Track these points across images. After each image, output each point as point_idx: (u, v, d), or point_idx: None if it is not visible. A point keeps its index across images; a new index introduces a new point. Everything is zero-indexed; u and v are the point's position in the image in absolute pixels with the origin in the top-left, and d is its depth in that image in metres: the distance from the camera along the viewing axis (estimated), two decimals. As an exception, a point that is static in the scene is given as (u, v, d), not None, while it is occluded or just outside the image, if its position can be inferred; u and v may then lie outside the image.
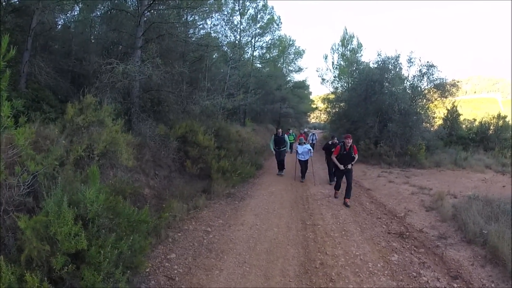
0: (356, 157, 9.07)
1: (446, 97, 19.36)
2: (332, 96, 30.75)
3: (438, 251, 5.65)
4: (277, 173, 13.50)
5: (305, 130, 28.04)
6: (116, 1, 12.19)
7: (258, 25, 25.91)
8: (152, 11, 10.89)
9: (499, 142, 19.94)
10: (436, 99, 19.41)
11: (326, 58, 33.78)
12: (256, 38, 26.75)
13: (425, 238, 6.28)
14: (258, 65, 29.29)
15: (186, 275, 4.48)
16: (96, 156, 5.40)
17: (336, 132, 24.93)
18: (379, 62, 19.78)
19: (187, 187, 8.31)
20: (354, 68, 24.76)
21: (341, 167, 8.89)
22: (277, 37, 28.77)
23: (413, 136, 17.00)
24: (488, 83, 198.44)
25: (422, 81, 19.18)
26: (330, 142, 11.99)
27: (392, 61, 19.42)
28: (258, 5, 25.36)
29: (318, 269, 4.86)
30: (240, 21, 24.88)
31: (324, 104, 32.33)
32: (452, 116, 22.47)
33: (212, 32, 18.92)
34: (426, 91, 19.31)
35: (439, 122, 21.59)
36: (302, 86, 38.48)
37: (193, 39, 13.35)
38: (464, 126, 23.16)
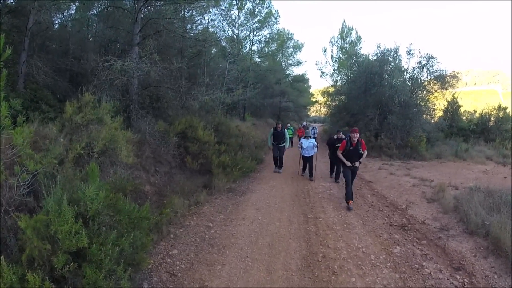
0: (365, 153, 8.17)
1: (446, 89, 19.35)
2: (331, 89, 30.73)
3: (440, 242, 5.65)
4: (274, 170, 12.65)
5: (305, 123, 27.96)
6: (112, -1, 12.14)
7: (256, 19, 25.87)
8: (149, 7, 10.85)
9: (500, 133, 19.94)
10: (436, 91, 19.39)
11: (325, 51, 33.84)
12: (254, 32, 26.72)
13: (427, 230, 6.28)
14: (257, 59, 29.24)
15: (188, 271, 4.49)
16: (95, 154, 5.39)
17: (336, 125, 24.91)
18: (379, 54, 19.73)
19: (188, 183, 8.30)
20: (353, 60, 24.68)
21: (348, 164, 7.98)
22: (276, 31, 28.77)
23: (414, 128, 16.99)
24: (488, 75, 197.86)
25: (422, 72, 19.14)
26: (335, 137, 11.26)
27: (392, 53, 19.36)
28: (255, -1, 25.28)
29: (321, 262, 4.87)
30: (238, 15, 24.82)
31: (323, 97, 32.32)
32: (453, 107, 22.46)
33: (210, 27, 18.80)
34: (426, 83, 19.27)
35: (439, 113, 21.57)
36: (301, 79, 38.49)
37: (191, 34, 13.32)
38: (464, 117, 23.15)
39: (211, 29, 18.73)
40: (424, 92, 19.12)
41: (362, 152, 8.08)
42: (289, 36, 32.61)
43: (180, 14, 12.81)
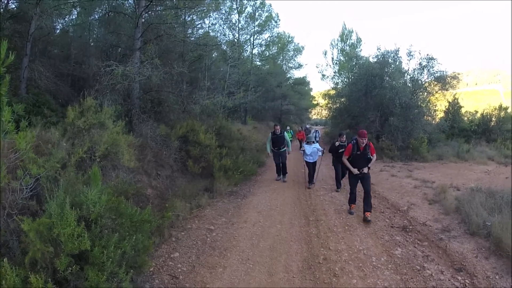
0: (374, 158, 7.31)
1: (447, 90, 19.35)
2: (332, 92, 30.73)
3: (441, 244, 5.65)
4: (276, 178, 11.52)
5: (307, 126, 27.84)
6: (113, 4, 12.23)
7: (256, 23, 26.04)
8: (149, 12, 10.92)
9: (501, 133, 19.96)
10: (437, 92, 19.39)
11: (325, 54, 33.84)
12: (255, 36, 26.91)
13: (428, 231, 6.28)
14: (257, 62, 29.39)
15: (190, 274, 4.50)
16: (97, 158, 5.43)
17: (337, 127, 24.95)
18: (379, 56, 19.78)
19: (190, 186, 8.33)
20: (354, 63, 24.68)
21: (355, 171, 7.12)
22: (276, 34, 28.96)
23: (415, 130, 17.03)
24: (489, 75, 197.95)
25: (422, 74, 19.16)
26: (336, 143, 9.96)
27: (392, 55, 19.40)
28: (255, 3, 25.54)
29: (322, 264, 4.87)
30: (238, 19, 25.02)
31: (325, 100, 32.30)
32: (454, 108, 22.50)
33: (210, 31, 18.97)
34: (426, 84, 19.28)
35: (440, 115, 21.60)
36: (302, 82, 38.51)
37: (192, 38, 13.37)
38: (465, 118, 23.18)
39: (211, 33, 18.92)
40: (425, 93, 19.14)
41: (371, 157, 7.19)
42: (290, 39, 32.73)
43: (181, 19, 12.91)
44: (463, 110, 23.23)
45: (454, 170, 12.34)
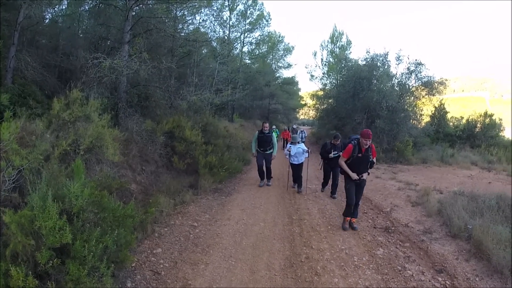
0: (374, 161, 6.49)
1: (433, 95, 19.64)
2: (320, 93, 30.79)
3: (423, 245, 5.74)
4: (259, 184, 10.41)
5: (294, 126, 27.85)
6: (104, -5, 12.08)
7: (247, 21, 25.99)
8: (140, 5, 10.81)
9: (486, 139, 20.37)
10: (423, 97, 19.69)
11: (315, 55, 33.91)
12: (245, 34, 26.86)
13: (410, 232, 6.37)
14: (247, 60, 29.39)
15: (172, 269, 4.50)
16: (81, 151, 5.39)
17: (324, 128, 25.07)
18: (368, 59, 19.96)
19: (174, 183, 8.30)
20: (343, 65, 24.83)
21: (354, 176, 6.25)
22: (267, 33, 28.95)
23: (400, 133, 17.23)
24: (476, 83, 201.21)
25: (410, 78, 19.44)
26: (330, 144, 9.25)
27: (381, 58, 19.60)
28: (247, 1, 25.44)
29: (304, 263, 4.91)
30: (230, 16, 24.93)
31: (312, 100, 32.35)
32: (440, 113, 22.82)
33: (201, 27, 18.91)
34: (414, 89, 19.57)
35: (426, 119, 21.92)
36: (291, 82, 38.56)
37: (182, 34, 13.31)
38: (451, 123, 23.55)
39: (202, 29, 18.86)
40: (412, 97, 19.40)
41: (373, 160, 6.39)
42: (280, 39, 32.73)
43: (172, 14, 12.80)
44: (449, 116, 23.59)
45: (437, 174, 12.52)
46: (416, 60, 18.95)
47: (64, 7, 13.16)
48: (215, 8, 22.11)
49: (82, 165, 3.83)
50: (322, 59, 33.33)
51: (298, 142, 10.03)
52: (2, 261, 2.90)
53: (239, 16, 25.53)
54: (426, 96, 19.67)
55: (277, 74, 35.57)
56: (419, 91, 19.62)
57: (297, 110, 46.10)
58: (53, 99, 5.88)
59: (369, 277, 4.56)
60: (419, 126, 19.82)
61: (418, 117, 19.51)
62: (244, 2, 25.32)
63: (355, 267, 4.86)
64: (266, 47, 31.09)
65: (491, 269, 4.74)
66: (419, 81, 19.26)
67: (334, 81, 30.92)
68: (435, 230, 6.41)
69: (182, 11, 13.79)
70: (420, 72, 18.90)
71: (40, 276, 3.08)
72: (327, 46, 33.27)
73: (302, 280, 4.41)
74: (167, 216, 6.53)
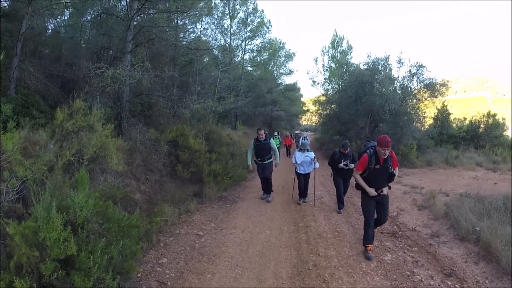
0: (397, 172, 5.53)
1: (436, 97, 19.64)
2: (322, 98, 30.85)
3: (431, 249, 5.68)
4: (261, 197, 9.51)
5: (297, 132, 27.80)
6: (106, 5, 12.15)
7: (248, 28, 26.09)
8: (142, 15, 10.86)
9: (490, 140, 20.28)
10: (426, 99, 19.67)
11: (316, 61, 33.98)
12: (247, 41, 26.96)
13: (417, 236, 6.31)
14: (248, 68, 29.45)
15: (178, 280, 4.45)
16: (85, 161, 5.36)
17: (327, 134, 25.02)
18: (369, 64, 19.98)
19: (179, 191, 8.26)
20: (344, 69, 24.84)
21: (372, 192, 5.29)
22: (268, 40, 29.01)
23: (404, 136, 17.17)
24: (477, 82, 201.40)
25: (412, 81, 19.40)
26: (339, 153, 8.34)
27: (382, 62, 19.61)
28: (248, 9, 25.56)
29: (311, 271, 4.86)
30: (230, 24, 25.06)
31: (315, 106, 32.40)
32: (443, 115, 22.77)
33: (202, 35, 18.95)
34: (416, 91, 19.54)
35: (429, 121, 21.87)
36: (293, 88, 38.61)
37: (183, 42, 13.33)
38: (454, 125, 23.48)
39: (203, 38, 18.91)
40: (414, 100, 19.38)
41: (394, 172, 5.37)
42: (281, 46, 32.79)
43: (173, 23, 12.87)
44: (452, 117, 23.54)
45: (443, 176, 12.44)
46: (417, 62, 18.97)
47: (66, 18, 13.26)
48: (216, 17, 22.29)
49: (86, 175, 3.81)
50: (323, 65, 33.41)
51: (308, 150, 8.95)
52: (6, 273, 2.87)
53: (239, 24, 25.65)
54: (429, 98, 19.67)
55: (279, 81, 35.66)
56: (421, 93, 19.61)
57: (300, 116, 46.18)
58: (56, 109, 5.86)
59: (377, 283, 4.51)
60: (422, 128, 19.81)
61: (421, 119, 19.49)
62: (244, 10, 25.47)
63: (363, 273, 4.81)
64: (267, 54, 31.15)
65: (501, 271, 4.69)
66: (421, 84, 19.26)
67: (336, 86, 30.96)
68: (442, 233, 6.35)
69: (183, 20, 13.87)
70: (422, 74, 18.91)
71: (44, 287, 3.04)
72: (328, 51, 33.37)
73: (310, 288, 4.35)
74: (172, 225, 6.48)
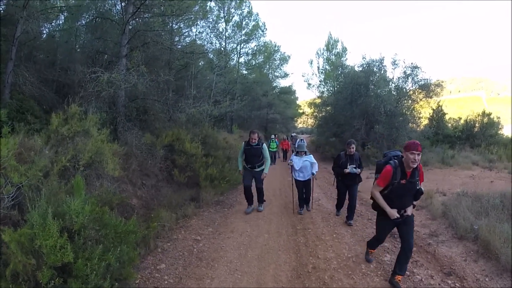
0: (423, 190, 4.42)
1: (431, 97, 19.80)
2: (318, 101, 30.86)
3: (430, 249, 5.70)
4: (246, 210, 8.30)
5: (293, 134, 27.70)
6: (101, 10, 12.12)
7: (243, 32, 26.08)
8: (137, 19, 10.82)
9: (485, 138, 20.46)
10: (421, 100, 19.85)
11: (311, 63, 34.17)
12: (242, 45, 26.93)
13: (416, 236, 6.29)
14: (244, 71, 29.42)
15: (176, 285, 4.42)
16: (81, 166, 5.32)
17: (323, 136, 25.01)
18: (364, 65, 20.11)
19: (175, 196, 8.22)
20: (339, 72, 24.89)
21: (395, 215, 4.24)
22: (263, 43, 29.03)
23: (400, 137, 17.28)
24: (472, 82, 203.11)
25: (406, 82, 19.57)
26: (344, 156, 7.38)
27: (377, 63, 19.76)
28: (243, 12, 25.58)
29: (311, 273, 4.84)
30: (225, 28, 25.02)
31: (310, 108, 32.42)
32: (438, 115, 22.92)
33: (197, 39, 18.88)
34: (411, 92, 19.70)
35: (425, 122, 22.05)
36: (288, 91, 38.74)
37: (179, 46, 13.30)
38: (450, 125, 23.62)
39: (198, 42, 18.83)
40: (410, 101, 19.53)
41: (421, 188, 4.34)
42: (276, 49, 32.88)
43: (168, 26, 12.83)
44: (447, 117, 23.68)
45: (439, 176, 12.46)
46: (412, 63, 19.16)
47: (61, 22, 13.20)
48: (210, 20, 22.20)
49: (82, 181, 3.77)
50: (318, 67, 33.56)
51: (305, 153, 8.16)
52: (2, 281, 2.83)
53: (234, 27, 25.65)
54: (424, 99, 19.84)
55: (274, 84, 35.70)
56: (416, 94, 19.77)
57: (295, 119, 46.20)
58: (51, 114, 5.82)
59: (378, 284, 4.51)
60: (418, 129, 19.94)
61: (417, 120, 19.64)
62: (239, 13, 25.48)
63: (363, 274, 4.80)
64: (263, 57, 31.20)
65: (500, 268, 4.72)
66: (416, 84, 19.43)
67: (331, 88, 31.00)
68: (441, 232, 6.38)
69: (178, 24, 13.86)
70: (417, 75, 19.10)
71: (41, 296, 3.00)
72: (323, 53, 33.51)
73: (310, 291, 4.33)
74: (169, 230, 6.45)
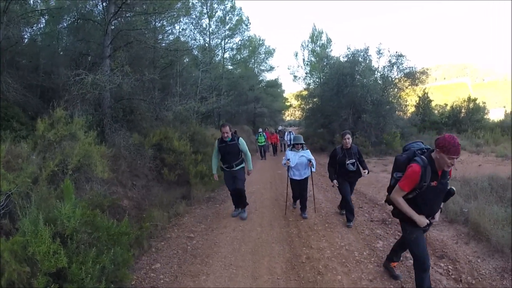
0: (454, 190, 3.63)
1: (416, 85, 20.02)
2: (305, 93, 30.93)
3: (421, 234, 5.78)
4: (232, 214, 7.56)
5: (280, 128, 27.54)
6: (82, 11, 11.96)
7: (227, 27, 25.98)
8: (119, 18, 10.71)
9: (472, 123, 20.71)
10: (407, 88, 20.03)
11: (296, 56, 34.21)
12: (226, 40, 26.83)
13: (407, 222, 6.39)
14: (229, 66, 29.37)
15: (172, 284, 4.44)
16: (70, 170, 5.29)
17: (311, 127, 25.05)
18: (349, 56, 20.20)
19: (166, 195, 8.20)
20: (325, 63, 24.93)
21: (423, 221, 3.55)
22: (247, 38, 28.98)
23: (387, 125, 17.47)
24: (457, 69, 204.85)
25: (392, 71, 19.75)
26: (341, 150, 6.58)
27: (362, 53, 19.88)
28: (226, 7, 25.48)
29: (305, 264, 4.89)
30: (209, 23, 24.91)
31: (297, 101, 32.48)
32: (424, 102, 23.21)
33: (181, 36, 18.82)
34: (396, 81, 19.86)
35: (411, 109, 22.32)
36: (274, 85, 38.73)
37: (162, 44, 13.19)
38: (436, 111, 23.92)
39: (182, 39, 18.77)
40: (396, 89, 19.69)
41: (452, 188, 3.60)
42: (261, 42, 32.79)
43: (151, 25, 12.74)
44: (433, 104, 23.98)
45: (427, 162, 12.62)
46: (396, 52, 19.34)
47: (42, 26, 13.02)
48: (194, 16, 22.11)
49: (71, 185, 3.76)
50: (304, 59, 33.64)
51: (303, 147, 7.15)
52: (-3, 291, 2.82)
53: (218, 22, 25.51)
54: (410, 87, 20.03)
55: (260, 78, 35.66)
56: (402, 82, 19.95)
57: (283, 112, 46.24)
58: (37, 119, 5.77)
59: (372, 270, 4.59)
60: (405, 117, 20.19)
61: (403, 108, 19.85)
62: (222, 8, 25.34)
63: (357, 262, 4.87)
64: (248, 51, 31.12)
65: (491, 249, 4.85)
66: (401, 73, 19.62)
67: (317, 80, 31.11)
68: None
69: (161, 22, 13.74)
70: (402, 63, 19.29)
71: (38, 303, 3.00)
72: (307, 45, 33.56)
73: (305, 281, 4.39)
74: (162, 229, 6.45)
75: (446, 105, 23.89)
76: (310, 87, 31.53)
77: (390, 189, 3.89)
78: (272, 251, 5.43)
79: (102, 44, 10.09)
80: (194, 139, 11.44)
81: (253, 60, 33.38)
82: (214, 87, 22.93)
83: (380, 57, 19.87)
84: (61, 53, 13.06)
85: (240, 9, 26.60)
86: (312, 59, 32.99)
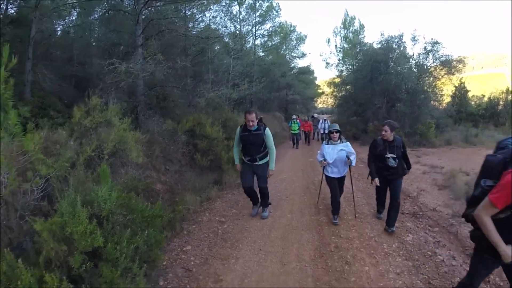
0: None
1: (453, 74, 19.29)
2: (337, 80, 30.54)
3: (452, 229, 5.66)
4: (251, 213, 6.65)
5: (314, 115, 27.04)
6: (113, 2, 12.18)
7: (257, 14, 25.84)
8: (149, 8, 10.83)
9: (510, 117, 19.90)
10: (443, 76, 19.35)
11: (329, 42, 33.75)
12: (257, 27, 26.72)
13: (439, 217, 6.28)
14: (260, 53, 29.29)
15: (202, 266, 4.54)
16: (106, 155, 5.44)
17: (343, 115, 24.68)
18: (383, 42, 19.71)
19: (199, 180, 8.34)
20: (357, 50, 24.47)
21: (508, 253, 2.37)
22: (278, 24, 28.72)
23: (422, 115, 17.03)
24: (494, 59, 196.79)
25: (427, 58, 19.14)
26: (382, 142, 5.71)
27: (396, 40, 19.34)
28: (255, -7, 25.21)
29: (333, 252, 4.89)
30: (239, 10, 24.80)
31: (330, 88, 32.09)
32: (460, 92, 22.44)
33: (211, 24, 18.80)
34: (432, 69, 19.25)
35: (447, 99, 21.56)
36: (306, 71, 38.35)
37: (193, 32, 13.30)
38: (473, 102, 23.17)
39: (213, 26, 18.77)
40: (431, 78, 19.10)
41: None
42: (292, 29, 32.53)
43: (181, 13, 12.82)
44: (470, 94, 23.20)
45: (462, 155, 12.31)
46: (432, 39, 18.66)
47: (74, 18, 13.36)
48: (223, 4, 21.97)
49: (107, 169, 3.87)
50: (336, 46, 33.16)
51: (340, 139, 6.12)
52: (36, 268, 2.94)
53: (248, 9, 25.39)
54: (446, 76, 19.33)
55: (292, 64, 35.38)
56: (437, 71, 19.31)
57: (315, 99, 45.82)
58: (72, 108, 5.94)
59: (399, 263, 4.52)
60: (440, 107, 19.58)
61: (439, 97, 19.26)
62: (252, -6, 25.18)
63: (385, 254, 4.82)
64: (279, 38, 30.94)
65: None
66: (437, 61, 18.98)
67: (350, 67, 30.58)
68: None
69: (191, 10, 13.83)
70: (438, 51, 18.66)
71: (74, 280, 3.10)
72: (340, 32, 33.04)
73: (333, 269, 4.39)
74: (194, 213, 6.59)
75: (484, 96, 23.03)
76: (343, 74, 31.06)
77: (471, 201, 2.83)
78: (301, 238, 5.45)
79: (133, 33, 10.25)
80: (226, 125, 11.51)
81: (284, 47, 33.16)
82: (246, 74, 22.93)
83: (415, 44, 19.30)
84: (94, 44, 13.39)
85: (270, -6, 26.36)
86: (345, 45, 32.48)
